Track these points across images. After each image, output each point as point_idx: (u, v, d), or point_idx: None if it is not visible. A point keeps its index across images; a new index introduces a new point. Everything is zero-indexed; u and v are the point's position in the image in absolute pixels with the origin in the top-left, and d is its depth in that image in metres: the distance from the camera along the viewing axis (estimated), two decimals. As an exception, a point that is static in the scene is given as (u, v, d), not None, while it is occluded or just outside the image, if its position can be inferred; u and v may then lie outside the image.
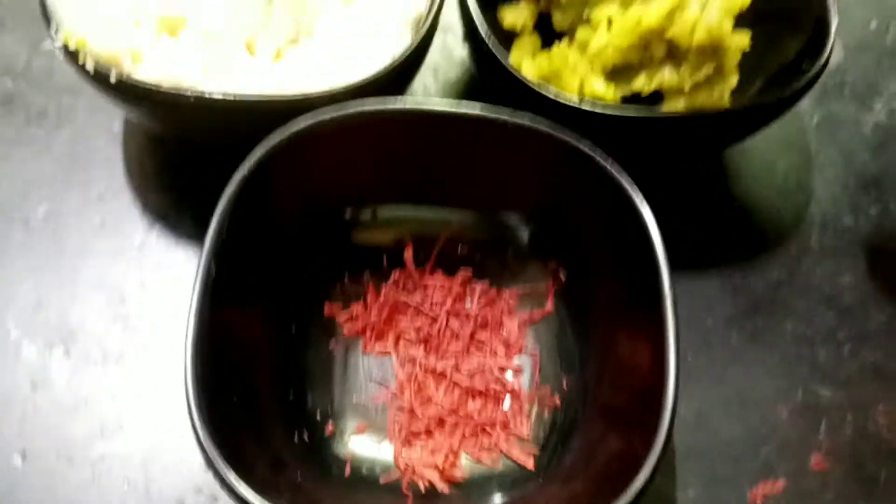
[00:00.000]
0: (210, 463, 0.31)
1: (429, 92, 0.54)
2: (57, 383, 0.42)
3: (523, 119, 0.39)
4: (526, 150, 0.40)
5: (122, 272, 0.46)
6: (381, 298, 0.44)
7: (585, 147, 0.38)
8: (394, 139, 0.40)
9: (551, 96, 0.43)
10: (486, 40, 0.44)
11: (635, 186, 0.37)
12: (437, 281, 0.44)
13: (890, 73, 0.57)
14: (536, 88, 0.43)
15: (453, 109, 0.39)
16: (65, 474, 0.40)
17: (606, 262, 0.40)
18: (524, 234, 0.44)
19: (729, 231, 0.50)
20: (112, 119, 0.51)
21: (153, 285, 0.46)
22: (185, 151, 0.49)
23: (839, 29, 0.46)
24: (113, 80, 0.38)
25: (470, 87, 0.55)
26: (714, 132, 0.46)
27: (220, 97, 0.38)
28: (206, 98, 0.38)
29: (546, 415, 0.41)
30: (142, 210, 0.48)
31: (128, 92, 0.39)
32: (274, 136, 0.37)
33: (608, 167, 0.37)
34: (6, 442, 0.41)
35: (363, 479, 0.39)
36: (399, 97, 0.40)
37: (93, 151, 0.50)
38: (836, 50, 0.57)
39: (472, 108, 0.39)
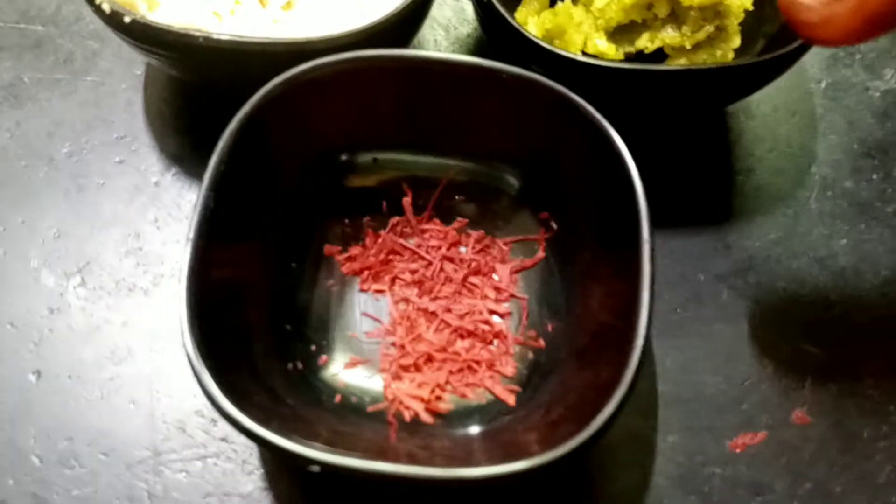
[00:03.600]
0: (204, 389, 0.33)
1: (440, 47, 0.55)
2: (72, 310, 0.45)
3: (516, 68, 0.40)
4: (518, 99, 0.41)
5: (137, 209, 0.48)
6: (380, 241, 0.45)
7: (573, 96, 0.39)
8: (390, 87, 0.42)
9: (552, 49, 0.44)
10: (487, -7, 0.45)
11: (618, 134, 0.38)
12: (433, 227, 0.46)
13: (904, 40, 0.57)
14: (537, 41, 0.44)
15: (447, 57, 0.41)
16: (76, 393, 0.43)
17: (592, 211, 0.42)
18: (517, 186, 0.46)
19: (728, 190, 0.51)
20: (134, 65, 0.53)
21: (166, 223, 0.48)
22: (203, 96, 0.51)
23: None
24: (127, 20, 0.40)
25: (480, 45, 0.56)
26: (712, 88, 0.46)
27: (226, 39, 0.40)
28: (213, 40, 0.40)
29: (530, 356, 0.42)
30: (159, 152, 0.50)
31: (140, 33, 0.41)
32: (273, 81, 0.39)
33: (593, 114, 0.39)
34: (23, 361, 0.43)
35: (352, 408, 0.40)
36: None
37: (115, 95, 0.52)
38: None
39: (467, 57, 0.41)
